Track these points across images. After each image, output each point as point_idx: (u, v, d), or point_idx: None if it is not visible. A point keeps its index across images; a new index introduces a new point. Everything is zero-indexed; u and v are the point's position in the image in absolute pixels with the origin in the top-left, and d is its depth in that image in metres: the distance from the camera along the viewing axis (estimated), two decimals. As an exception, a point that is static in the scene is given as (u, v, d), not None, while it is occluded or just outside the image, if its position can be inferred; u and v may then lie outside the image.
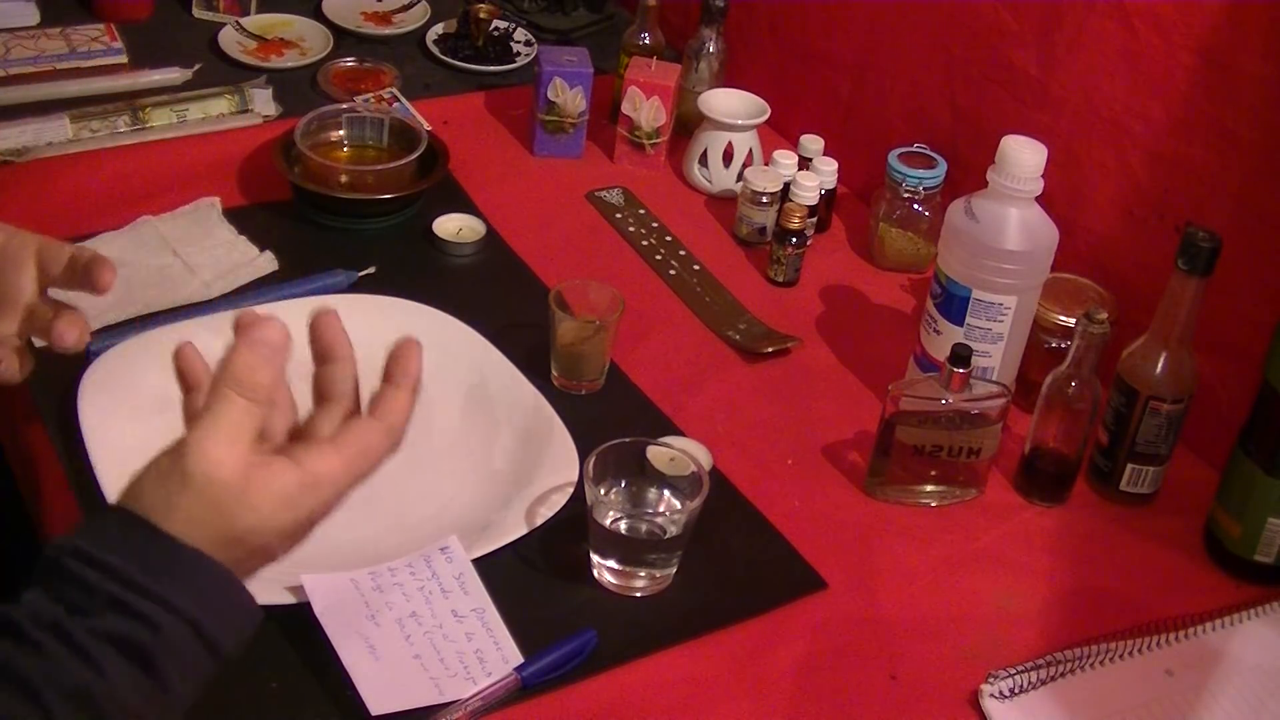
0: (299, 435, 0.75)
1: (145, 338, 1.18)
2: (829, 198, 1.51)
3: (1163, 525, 1.18)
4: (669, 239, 1.48)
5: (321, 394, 0.77)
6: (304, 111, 1.49)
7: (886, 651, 1.03)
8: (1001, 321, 1.19)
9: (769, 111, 1.56)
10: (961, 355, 1.11)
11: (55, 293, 0.92)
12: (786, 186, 1.45)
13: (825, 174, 1.48)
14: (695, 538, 1.04)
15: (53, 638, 0.65)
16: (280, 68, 1.70)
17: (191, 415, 0.74)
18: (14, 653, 0.65)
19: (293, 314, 1.23)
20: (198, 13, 1.80)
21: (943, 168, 1.42)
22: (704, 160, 1.56)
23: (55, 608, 0.66)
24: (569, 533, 1.06)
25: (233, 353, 0.70)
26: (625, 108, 1.57)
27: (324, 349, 0.77)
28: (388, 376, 0.76)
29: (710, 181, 1.57)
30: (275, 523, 0.71)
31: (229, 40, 1.73)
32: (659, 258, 1.45)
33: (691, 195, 1.58)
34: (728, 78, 1.65)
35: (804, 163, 1.50)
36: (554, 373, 1.23)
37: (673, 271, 1.43)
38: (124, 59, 1.67)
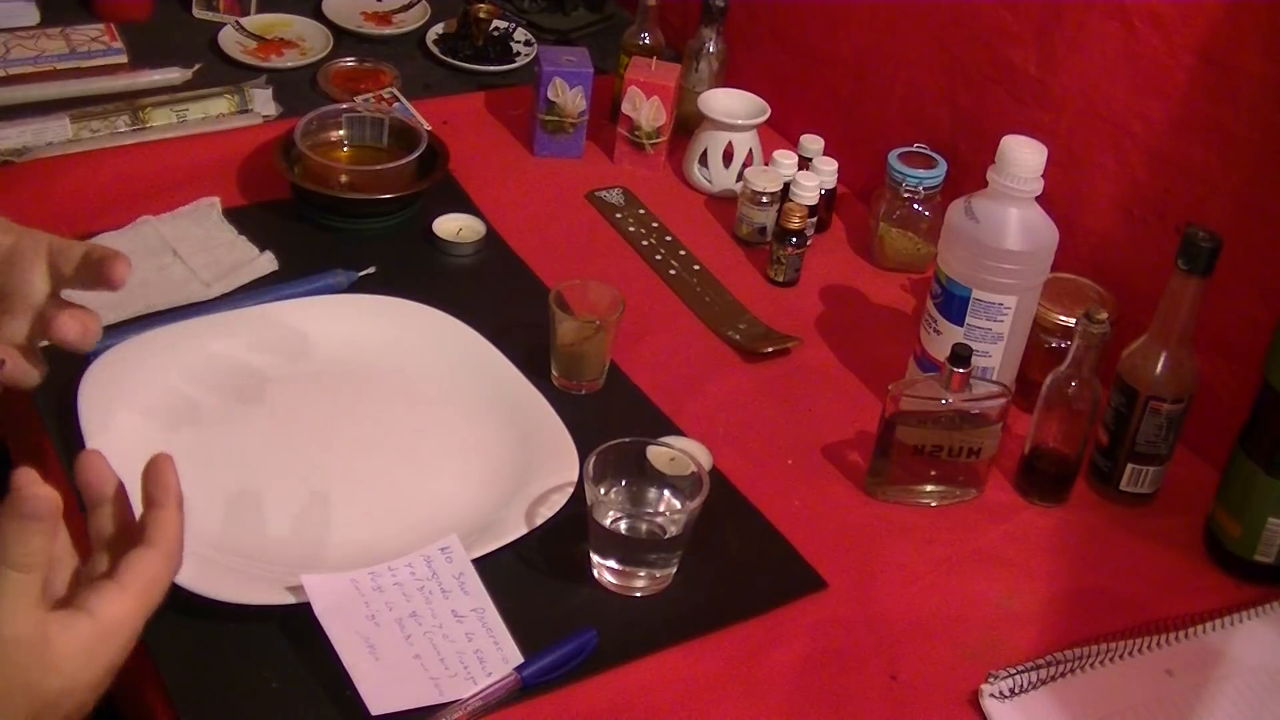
0: (80, 579, 0.74)
1: (145, 338, 1.18)
2: (829, 198, 1.51)
3: (1163, 525, 1.18)
4: (669, 239, 1.48)
5: (96, 539, 0.76)
6: (304, 111, 1.49)
7: (886, 651, 1.03)
8: (1001, 321, 1.19)
9: (769, 111, 1.56)
10: (961, 355, 1.12)
11: (70, 294, 0.90)
12: (786, 186, 1.45)
13: (825, 174, 1.48)
14: (695, 538, 1.04)
15: None
16: (280, 68, 1.70)
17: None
18: None
19: (293, 314, 1.24)
20: (198, 13, 1.80)
21: (943, 168, 1.42)
22: (704, 160, 1.56)
23: None
24: (569, 533, 1.06)
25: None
26: (625, 108, 1.57)
27: (91, 495, 0.76)
28: (149, 501, 0.75)
29: (710, 181, 1.57)
30: (83, 678, 0.70)
31: (229, 40, 1.73)
32: (659, 258, 1.45)
33: (691, 195, 1.58)
34: (728, 78, 1.65)
35: (804, 163, 1.50)
36: (554, 373, 1.23)
37: (673, 271, 1.43)
38: (124, 59, 1.67)
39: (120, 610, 0.71)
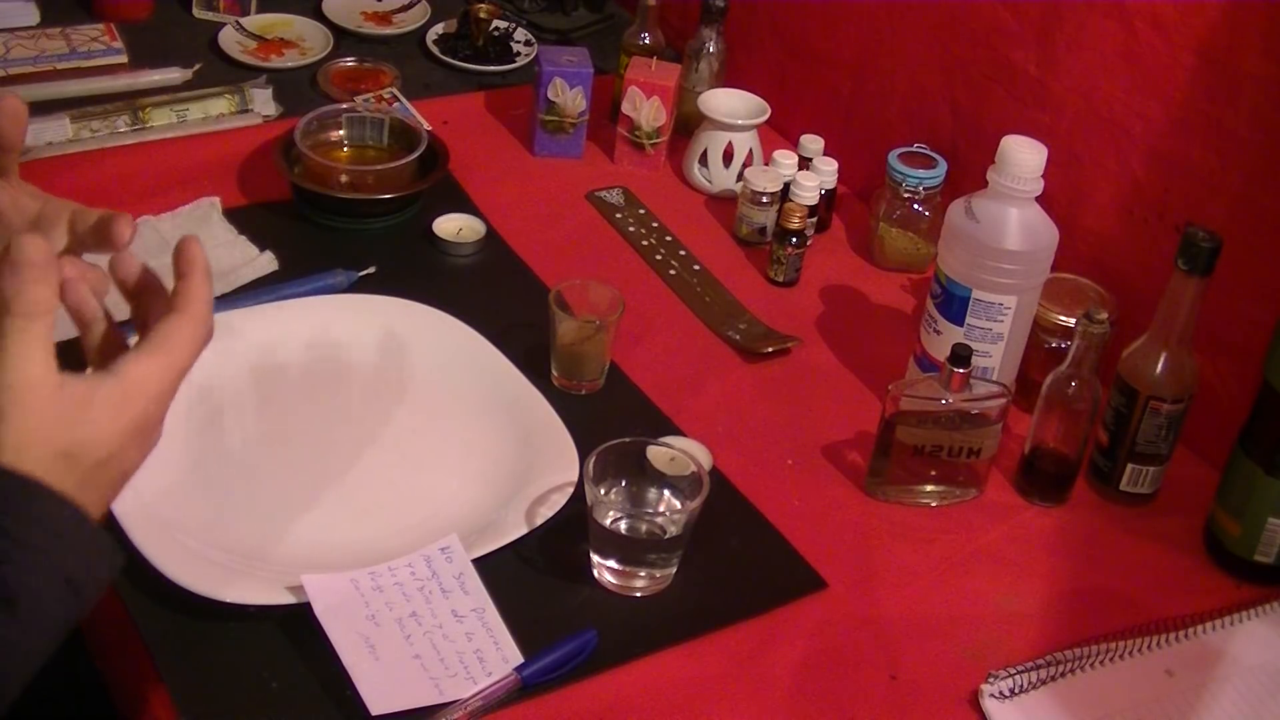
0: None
1: (145, 338, 1.18)
2: (829, 198, 1.51)
3: (1163, 525, 1.18)
4: (669, 239, 1.48)
5: (139, 325, 0.79)
6: (304, 111, 1.49)
7: (886, 651, 1.03)
8: (1001, 321, 1.19)
9: (769, 111, 1.56)
10: (961, 355, 1.12)
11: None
12: (786, 186, 1.45)
13: (825, 174, 1.48)
14: (695, 538, 1.04)
15: None
16: (280, 68, 1.70)
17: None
18: None
19: (293, 314, 1.24)
20: (198, 13, 1.80)
21: (943, 168, 1.42)
22: (704, 160, 1.56)
23: None
24: (569, 533, 1.06)
25: None
26: (625, 108, 1.57)
27: (126, 285, 0.79)
28: (176, 274, 0.78)
29: (710, 181, 1.57)
30: (106, 429, 0.72)
31: (229, 40, 1.73)
32: (659, 258, 1.45)
33: (691, 195, 1.58)
34: (728, 78, 1.65)
35: (804, 163, 1.50)
36: (554, 373, 1.23)
37: (673, 271, 1.43)
38: (124, 59, 1.67)
39: (142, 368, 0.74)
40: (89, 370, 0.75)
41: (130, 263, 0.79)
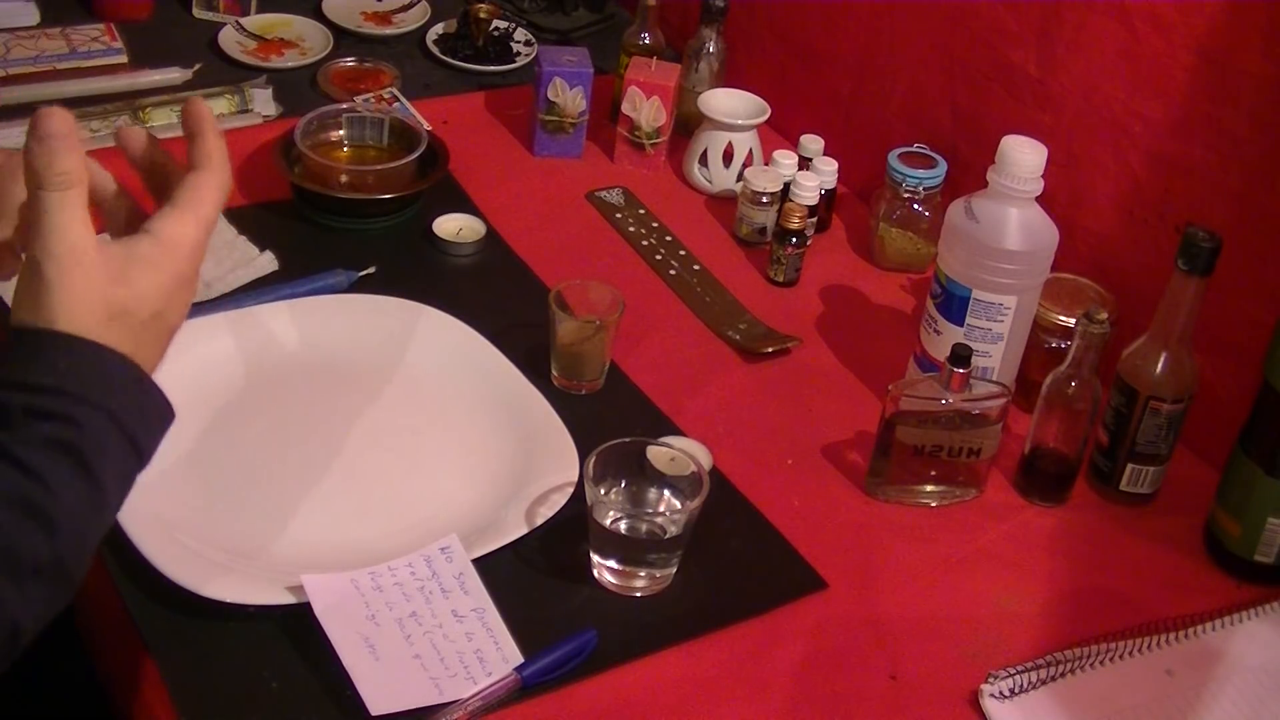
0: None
1: (145, 338, 1.18)
2: (829, 198, 1.51)
3: (1163, 525, 1.18)
4: (669, 239, 1.48)
5: (156, 189, 0.82)
6: (304, 111, 1.49)
7: (886, 651, 1.03)
8: (1001, 321, 1.19)
9: (769, 111, 1.56)
10: (961, 355, 1.12)
11: None
12: (786, 186, 1.45)
13: (825, 174, 1.48)
14: (695, 538, 1.04)
15: None
16: (280, 68, 1.70)
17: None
18: None
19: (293, 314, 1.24)
20: (198, 13, 1.80)
21: (943, 168, 1.42)
22: (704, 160, 1.56)
23: None
24: (569, 533, 1.06)
25: (27, 157, 0.73)
26: (625, 108, 1.57)
27: (137, 159, 0.82)
28: (188, 135, 0.80)
29: (710, 181, 1.57)
30: (150, 285, 0.74)
31: (229, 40, 1.73)
32: (659, 258, 1.45)
33: (691, 195, 1.58)
34: (728, 78, 1.65)
35: (804, 163, 1.50)
36: (554, 373, 1.23)
37: (673, 271, 1.43)
38: (124, 59, 1.67)
39: (177, 224, 0.77)
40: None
41: (136, 134, 0.82)
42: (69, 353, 0.71)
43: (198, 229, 0.78)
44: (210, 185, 0.79)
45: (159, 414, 0.75)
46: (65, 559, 0.69)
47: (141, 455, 0.74)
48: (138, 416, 0.73)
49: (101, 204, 0.81)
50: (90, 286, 0.72)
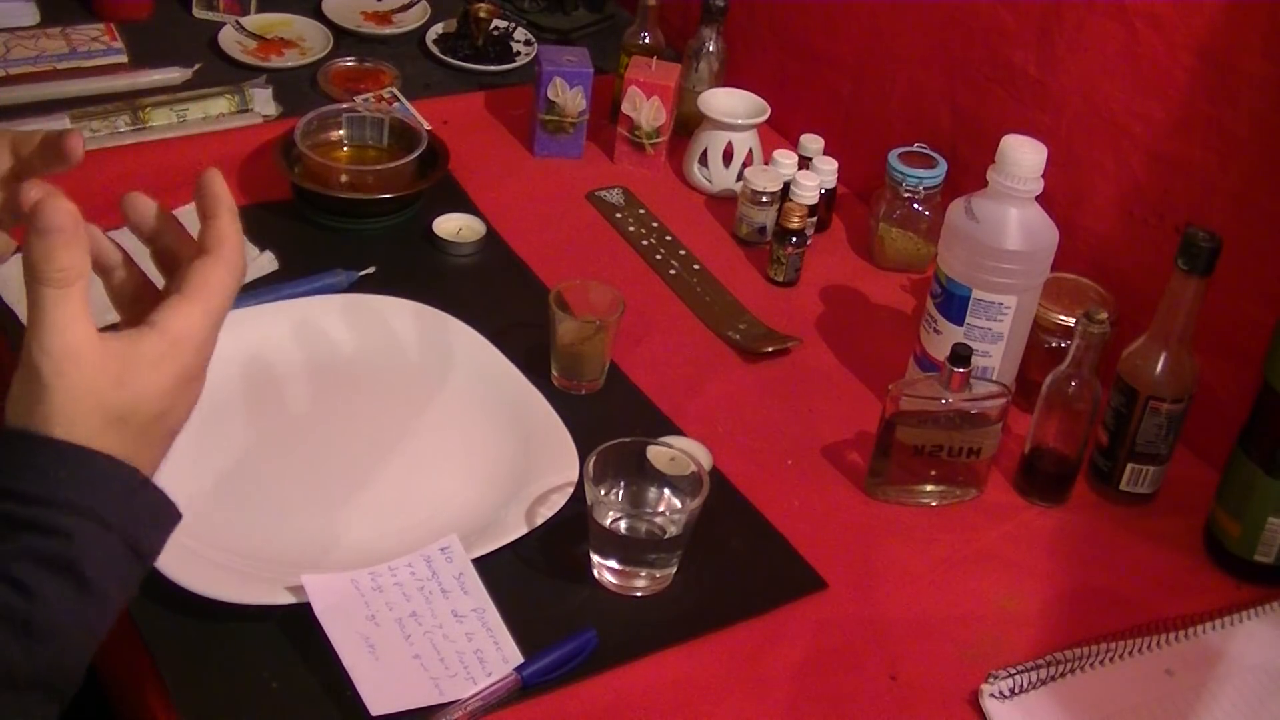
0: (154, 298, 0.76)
1: (145, 338, 1.18)
2: (829, 198, 1.51)
3: (1163, 525, 1.18)
4: (669, 239, 1.48)
5: (163, 268, 0.78)
6: (304, 111, 1.49)
7: (886, 651, 1.03)
8: (1001, 321, 1.19)
9: (769, 111, 1.56)
10: (961, 355, 1.11)
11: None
12: (786, 186, 1.45)
13: (825, 174, 1.48)
14: (695, 538, 1.04)
15: None
16: (280, 67, 1.70)
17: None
18: None
19: (293, 314, 1.24)
20: (198, 13, 1.80)
21: (943, 168, 1.42)
22: (704, 160, 1.56)
23: None
24: (569, 533, 1.06)
25: (27, 250, 0.69)
26: (625, 108, 1.57)
27: (143, 231, 0.77)
28: (202, 215, 0.76)
29: (710, 181, 1.57)
30: (152, 387, 0.71)
31: (229, 40, 1.73)
32: (659, 258, 1.45)
33: (691, 195, 1.58)
34: (728, 78, 1.65)
35: (804, 162, 1.50)
36: (554, 373, 1.23)
37: (673, 271, 1.43)
38: (124, 59, 1.67)
39: (184, 318, 0.72)
40: (121, 323, 0.74)
41: (145, 204, 0.77)
42: (62, 461, 0.68)
43: (206, 322, 0.73)
44: (222, 274, 0.74)
45: (161, 516, 0.72)
46: (52, 670, 0.67)
47: (144, 558, 0.71)
48: (136, 522, 0.70)
49: (106, 276, 0.77)
50: (89, 390, 0.68)
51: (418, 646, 0.96)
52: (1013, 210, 1.16)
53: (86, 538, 0.67)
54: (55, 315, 0.68)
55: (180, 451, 1.08)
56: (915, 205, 1.43)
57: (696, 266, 1.44)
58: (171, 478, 1.05)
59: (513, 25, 1.85)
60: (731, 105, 1.57)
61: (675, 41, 1.73)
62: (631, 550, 1.04)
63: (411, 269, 1.38)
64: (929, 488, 1.17)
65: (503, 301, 1.33)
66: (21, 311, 1.23)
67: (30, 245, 0.69)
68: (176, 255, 0.77)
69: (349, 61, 1.72)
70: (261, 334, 1.21)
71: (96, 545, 0.67)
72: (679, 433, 1.19)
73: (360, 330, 1.24)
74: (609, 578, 1.04)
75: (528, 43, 1.83)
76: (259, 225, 1.39)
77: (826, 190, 1.49)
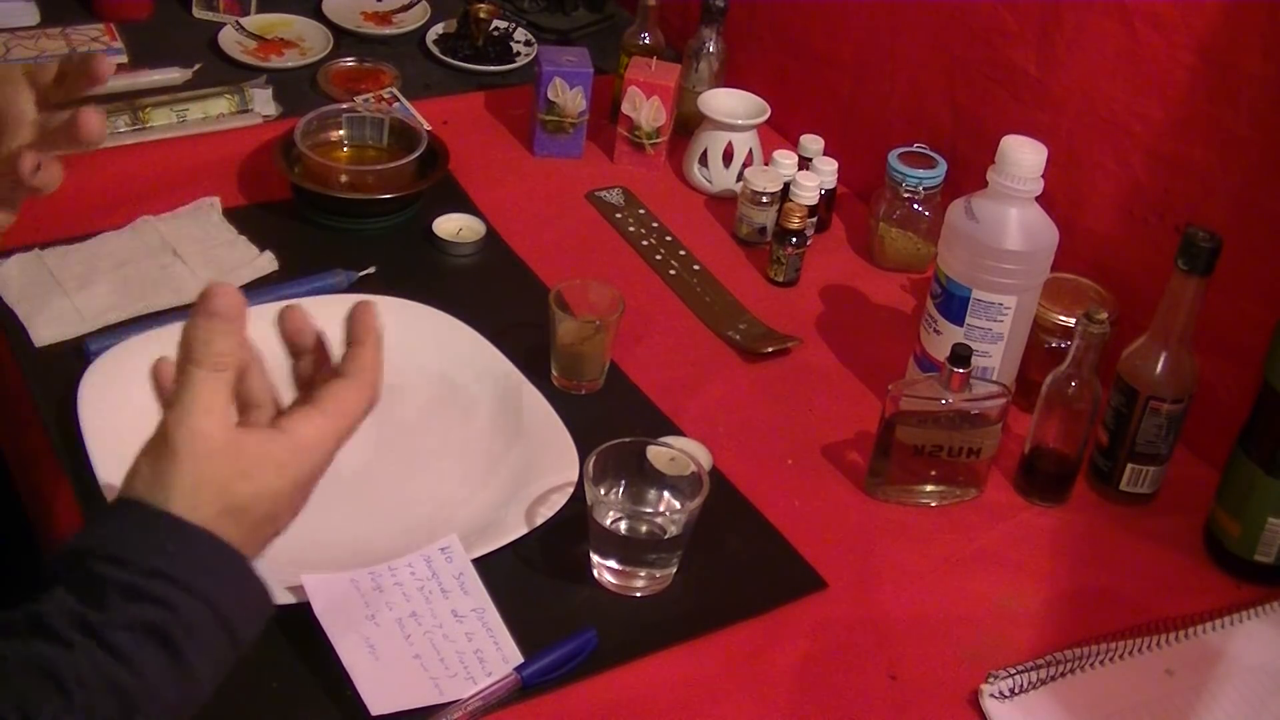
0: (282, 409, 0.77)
1: (145, 338, 1.18)
2: (829, 198, 1.51)
3: (1163, 525, 1.18)
4: (669, 239, 1.48)
5: (299, 384, 0.80)
6: (304, 111, 1.49)
7: (886, 651, 1.03)
8: (1001, 321, 1.19)
9: (769, 111, 1.56)
10: (961, 355, 1.11)
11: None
12: (786, 186, 1.45)
13: (825, 174, 1.48)
14: (695, 538, 1.04)
15: (80, 634, 0.66)
16: (280, 68, 1.70)
17: (165, 404, 0.75)
18: (47, 651, 0.65)
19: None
20: (198, 13, 1.80)
21: (943, 168, 1.42)
22: (704, 160, 1.56)
23: (78, 605, 0.66)
24: (569, 533, 1.06)
25: (188, 329, 0.71)
26: (625, 108, 1.57)
27: (293, 343, 0.80)
28: (352, 338, 0.79)
29: (710, 181, 1.57)
30: (272, 487, 0.72)
31: (229, 40, 1.73)
32: (659, 258, 1.45)
33: (691, 195, 1.58)
34: (728, 78, 1.65)
35: (804, 163, 1.50)
36: (554, 373, 1.23)
37: (673, 271, 1.43)
38: (124, 59, 1.67)
39: (314, 429, 0.74)
40: (261, 417, 0.76)
41: (301, 319, 0.79)
42: (178, 538, 0.69)
43: (332, 440, 0.75)
44: (357, 399, 0.77)
45: (260, 605, 0.73)
46: None
47: (239, 645, 0.72)
48: (238, 608, 0.71)
49: (296, 357, 0.80)
50: (215, 476, 0.70)
51: (418, 646, 0.96)
52: (1013, 210, 1.16)
53: (191, 614, 0.68)
54: (203, 398, 0.70)
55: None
56: (915, 205, 1.43)
57: (696, 266, 1.44)
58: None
59: (513, 25, 1.85)
60: (731, 105, 1.57)
61: (675, 41, 1.73)
62: (631, 550, 1.04)
63: (411, 269, 1.38)
64: (929, 488, 1.17)
65: (503, 301, 1.33)
66: (21, 311, 1.23)
67: (194, 325, 0.71)
68: (314, 370, 0.79)
69: (349, 62, 1.73)
70: (261, 334, 1.21)
71: (199, 623, 0.68)
72: (679, 433, 1.19)
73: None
74: (609, 578, 1.04)
75: (528, 43, 1.83)
76: (259, 225, 1.39)
77: (826, 190, 1.49)
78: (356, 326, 0.79)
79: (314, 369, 0.80)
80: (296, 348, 0.80)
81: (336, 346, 0.80)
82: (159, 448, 0.70)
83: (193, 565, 0.68)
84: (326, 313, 1.24)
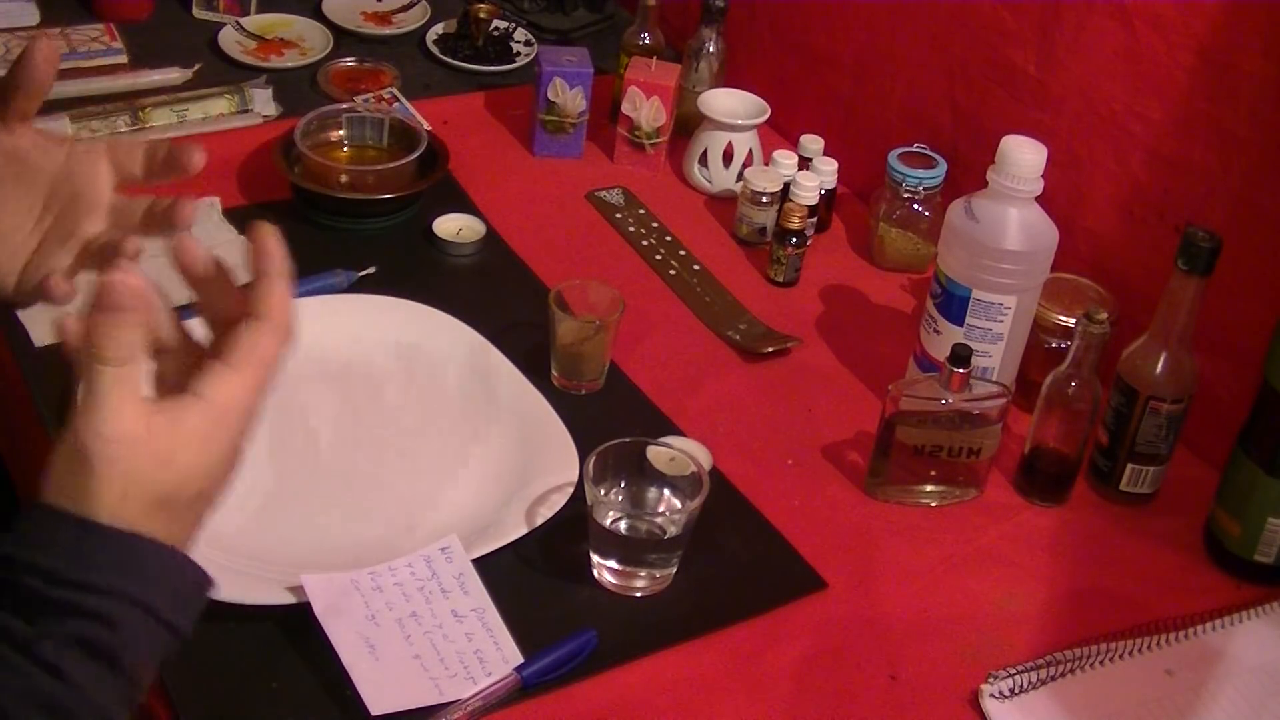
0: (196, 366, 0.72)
1: (145, 338, 1.18)
2: (829, 198, 1.51)
3: (1163, 525, 1.18)
4: (669, 239, 1.48)
5: (208, 319, 0.75)
6: (304, 111, 1.49)
7: (886, 651, 1.03)
8: (1001, 321, 1.19)
9: (769, 111, 1.56)
10: (961, 355, 1.11)
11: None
12: (786, 186, 1.45)
13: (825, 174, 1.48)
14: (695, 538, 1.04)
15: (13, 652, 0.64)
16: (280, 68, 1.70)
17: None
18: None
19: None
20: (198, 13, 1.80)
21: (943, 168, 1.42)
22: (704, 160, 1.56)
23: (9, 621, 0.65)
24: (569, 533, 1.06)
25: (90, 326, 0.67)
26: (625, 108, 1.57)
27: (191, 277, 0.74)
28: (255, 273, 0.73)
29: (710, 181, 1.57)
30: (198, 467, 0.69)
31: (229, 40, 1.73)
32: (659, 258, 1.45)
33: (691, 195, 1.58)
34: (728, 78, 1.65)
35: (804, 163, 1.50)
36: (554, 373, 1.23)
37: (673, 271, 1.43)
38: (124, 59, 1.67)
39: (231, 389, 0.70)
40: (171, 366, 0.72)
41: (195, 251, 0.73)
42: (108, 547, 0.66)
43: (253, 394, 0.71)
44: (270, 343, 0.71)
45: (198, 593, 0.71)
46: None
47: (179, 634, 0.70)
48: (176, 603, 0.69)
49: (158, 356, 0.73)
50: (136, 475, 0.67)
51: (418, 646, 0.96)
52: (1013, 210, 1.16)
53: (130, 625, 0.66)
54: (111, 397, 0.67)
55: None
56: (915, 205, 1.43)
57: (696, 266, 1.44)
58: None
59: (513, 25, 1.85)
60: (731, 105, 1.57)
61: (675, 41, 1.73)
62: (631, 550, 1.04)
63: (411, 269, 1.38)
64: (929, 488, 1.17)
65: (503, 301, 1.33)
66: (21, 311, 1.23)
67: (94, 323, 0.67)
68: (224, 314, 0.74)
69: (349, 62, 1.73)
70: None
71: (139, 631, 0.67)
72: (679, 433, 1.19)
73: (360, 330, 1.24)
74: (609, 578, 1.04)
75: (528, 43, 1.83)
76: (259, 225, 1.39)
77: (826, 190, 1.49)
78: (259, 256, 0.72)
79: (220, 299, 0.74)
80: (196, 280, 0.74)
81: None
82: (74, 456, 0.67)
83: (127, 573, 0.66)
84: (327, 313, 1.25)
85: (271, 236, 0.73)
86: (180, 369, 0.72)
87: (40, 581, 0.65)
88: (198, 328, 0.75)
